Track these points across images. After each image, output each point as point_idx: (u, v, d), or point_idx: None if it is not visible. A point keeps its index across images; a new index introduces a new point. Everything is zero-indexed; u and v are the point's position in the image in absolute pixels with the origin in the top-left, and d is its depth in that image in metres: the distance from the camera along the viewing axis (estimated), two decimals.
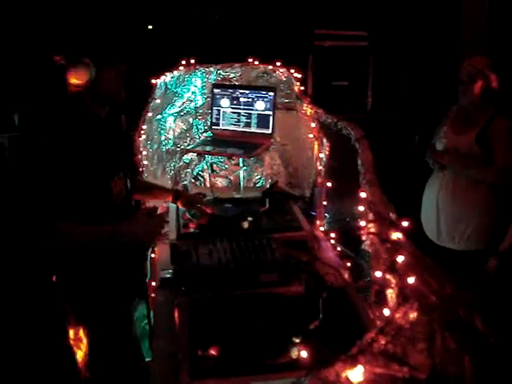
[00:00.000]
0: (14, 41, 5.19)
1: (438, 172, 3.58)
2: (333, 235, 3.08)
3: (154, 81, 3.57)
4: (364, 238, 1.70)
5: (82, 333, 2.38)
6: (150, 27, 5.15)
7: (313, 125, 3.29)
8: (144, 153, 3.40)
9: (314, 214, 3.37)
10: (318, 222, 3.28)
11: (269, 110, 3.51)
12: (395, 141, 5.18)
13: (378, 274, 1.47)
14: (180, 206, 3.01)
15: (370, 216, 1.71)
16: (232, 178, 3.78)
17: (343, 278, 2.57)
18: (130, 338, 2.60)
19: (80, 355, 2.40)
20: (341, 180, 3.06)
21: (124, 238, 2.30)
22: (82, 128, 2.24)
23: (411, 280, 1.35)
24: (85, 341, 2.38)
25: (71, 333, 2.39)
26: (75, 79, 2.21)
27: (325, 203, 3.27)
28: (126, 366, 2.51)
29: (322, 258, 2.78)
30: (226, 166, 3.85)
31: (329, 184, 3.17)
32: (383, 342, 1.24)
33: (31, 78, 4.99)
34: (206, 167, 3.90)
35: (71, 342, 2.39)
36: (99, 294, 2.37)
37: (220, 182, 3.92)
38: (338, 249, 2.96)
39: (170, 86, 3.73)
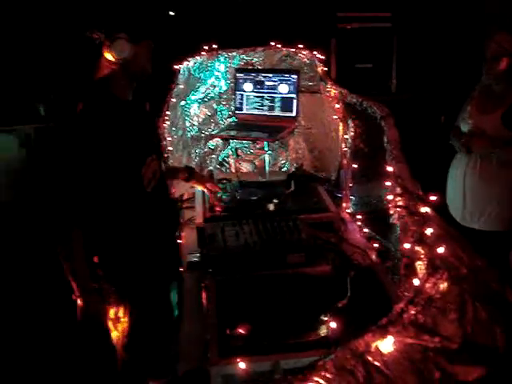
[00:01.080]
0: (38, 30, 5.22)
1: (464, 154, 3.53)
2: (359, 217, 3.05)
3: (176, 66, 3.57)
4: (392, 211, 1.68)
5: (121, 313, 2.39)
6: (171, 13, 5.14)
7: (337, 106, 3.25)
8: (169, 139, 3.40)
9: (340, 195, 3.34)
10: (344, 204, 3.25)
11: (292, 93, 3.49)
12: (421, 122, 5.12)
13: (407, 245, 1.46)
14: (193, 183, 3.02)
15: (398, 190, 1.68)
16: (257, 163, 3.78)
17: (370, 258, 2.55)
18: (169, 320, 2.61)
19: (117, 336, 2.42)
20: (367, 161, 3.03)
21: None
22: (108, 114, 2.24)
23: (441, 250, 1.33)
24: (124, 321, 2.40)
25: (111, 312, 2.40)
26: (116, 55, 2.20)
27: (351, 185, 3.24)
28: (162, 347, 2.54)
29: (348, 239, 2.76)
30: (251, 151, 3.85)
31: (355, 166, 3.14)
32: (413, 312, 1.23)
33: (57, 67, 5.03)
34: (230, 153, 3.90)
35: (109, 322, 2.41)
36: (140, 275, 2.39)
37: (245, 167, 3.92)
38: (365, 230, 2.93)
39: (193, 72, 3.72)
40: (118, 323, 2.41)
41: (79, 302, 2.26)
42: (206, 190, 3.00)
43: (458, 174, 3.58)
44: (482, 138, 3.42)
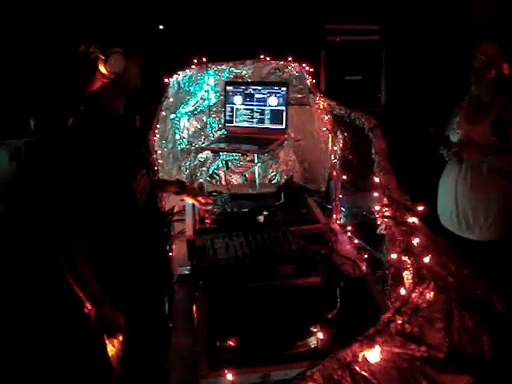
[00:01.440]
0: (28, 44, 5.23)
1: (454, 164, 3.54)
2: (349, 228, 3.07)
3: (166, 80, 3.58)
4: (379, 222, 1.69)
5: None
6: (161, 27, 5.16)
7: (326, 118, 3.28)
8: (159, 152, 3.41)
9: (329, 207, 3.35)
10: (334, 216, 3.27)
11: (282, 106, 3.52)
12: (410, 133, 5.15)
13: (394, 255, 1.47)
14: (183, 197, 3.02)
15: (385, 200, 1.70)
16: (247, 175, 3.79)
17: (361, 268, 2.56)
18: (162, 333, 2.61)
19: (113, 350, 2.41)
20: (356, 173, 3.05)
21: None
22: (100, 128, 2.24)
23: (427, 259, 1.34)
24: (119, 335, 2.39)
25: None
26: (110, 69, 2.21)
27: (340, 196, 3.25)
28: (158, 361, 2.53)
29: (338, 251, 2.78)
30: (241, 163, 3.86)
31: (344, 177, 3.16)
32: (400, 321, 1.23)
33: (48, 81, 5.04)
34: (221, 165, 3.92)
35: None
36: (132, 288, 2.37)
37: (235, 180, 3.94)
38: (356, 241, 2.94)
39: (182, 85, 3.74)
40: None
41: (92, 313, 2.25)
42: (197, 203, 3.01)
43: (449, 184, 3.58)
44: (472, 146, 3.43)
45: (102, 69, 2.21)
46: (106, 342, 2.40)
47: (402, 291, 1.29)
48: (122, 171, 2.27)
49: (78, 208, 2.16)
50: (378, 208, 1.77)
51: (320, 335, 1.85)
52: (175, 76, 3.64)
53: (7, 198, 5.22)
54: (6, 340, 3.97)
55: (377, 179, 1.93)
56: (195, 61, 3.76)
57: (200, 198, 3.01)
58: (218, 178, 3.98)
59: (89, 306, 2.24)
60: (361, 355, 1.18)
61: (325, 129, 3.39)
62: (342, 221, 3.24)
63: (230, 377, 1.37)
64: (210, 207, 3.08)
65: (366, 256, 2.73)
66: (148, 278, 2.43)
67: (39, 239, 2.33)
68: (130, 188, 2.31)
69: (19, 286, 4.61)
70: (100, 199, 2.19)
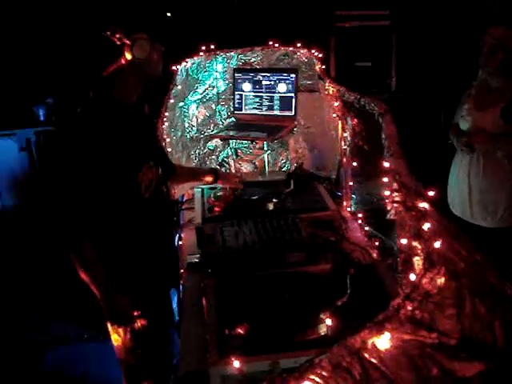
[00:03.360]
0: (38, 33, 5.22)
1: (466, 153, 3.50)
2: (360, 215, 3.04)
3: (174, 67, 3.56)
4: (389, 207, 1.66)
5: None
6: (168, 14, 5.13)
7: (336, 104, 3.24)
8: (167, 140, 3.39)
9: (340, 194, 3.33)
10: (344, 203, 3.24)
11: (291, 92, 3.48)
12: (421, 120, 5.10)
13: (404, 241, 1.44)
14: (219, 184, 3.06)
15: (395, 185, 1.67)
16: (257, 163, 3.76)
17: (371, 256, 2.53)
18: (170, 325, 2.61)
19: (119, 340, 2.41)
20: (367, 159, 3.02)
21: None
22: (107, 119, 2.22)
23: (437, 244, 1.31)
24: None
25: None
26: (138, 55, 2.21)
27: (351, 184, 3.22)
28: (163, 350, 2.53)
29: (349, 238, 2.75)
30: (251, 151, 3.83)
31: (354, 164, 3.12)
32: (410, 308, 1.21)
33: (57, 71, 5.04)
34: (230, 153, 3.88)
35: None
36: (139, 280, 2.38)
37: (245, 168, 3.91)
38: (366, 228, 2.91)
39: (191, 73, 3.71)
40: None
41: (102, 304, 2.28)
42: (234, 186, 3.06)
43: (461, 171, 3.55)
44: (482, 134, 3.39)
45: (128, 55, 2.20)
46: (112, 332, 2.40)
47: (412, 277, 1.27)
48: (127, 163, 2.26)
49: (87, 203, 2.16)
50: (387, 193, 1.74)
51: (329, 322, 1.83)
52: (183, 63, 3.61)
53: (18, 189, 5.24)
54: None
55: (386, 164, 1.90)
56: (203, 48, 3.73)
57: (235, 181, 3.09)
58: (227, 166, 3.96)
59: (99, 297, 2.25)
60: (370, 342, 1.15)
61: (335, 115, 3.36)
62: (352, 208, 3.21)
63: (237, 364, 1.35)
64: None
65: (376, 243, 2.71)
66: (154, 270, 2.44)
67: (50, 235, 2.33)
68: (134, 180, 2.30)
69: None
70: (105, 192, 2.19)
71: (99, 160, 2.15)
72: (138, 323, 2.36)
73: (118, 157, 2.20)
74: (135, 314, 2.34)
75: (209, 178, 3.01)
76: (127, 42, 2.18)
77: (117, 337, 2.39)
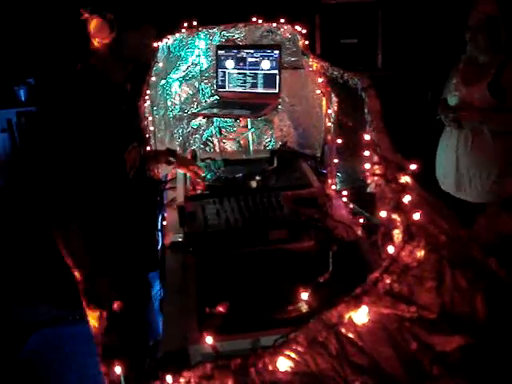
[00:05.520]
0: (18, 13, 5.12)
1: (454, 128, 3.48)
2: (345, 193, 3.01)
3: (155, 44, 3.48)
4: (369, 180, 1.63)
5: None
6: None
7: (320, 80, 3.19)
8: (150, 119, 3.33)
9: (325, 172, 3.29)
10: (329, 181, 3.20)
11: (275, 69, 3.43)
12: (407, 97, 5.06)
13: (383, 214, 1.40)
14: (175, 167, 3.00)
15: (375, 159, 1.63)
16: (241, 141, 3.72)
17: (355, 233, 2.50)
18: (146, 307, 2.58)
19: (95, 322, 2.38)
20: (352, 136, 2.98)
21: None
22: (98, 97, 2.17)
23: (417, 216, 1.28)
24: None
25: None
26: (98, 35, 2.16)
27: (336, 161, 3.18)
28: (139, 333, 2.51)
29: (333, 215, 2.72)
30: (235, 129, 3.79)
31: (339, 141, 3.08)
32: (388, 281, 1.18)
33: (38, 51, 4.96)
34: (214, 132, 3.84)
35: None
36: (120, 258, 2.36)
37: (229, 146, 3.86)
38: (351, 206, 2.88)
39: (172, 50, 3.64)
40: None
41: (80, 284, 2.24)
42: (189, 173, 2.96)
43: (449, 146, 3.53)
44: (470, 110, 3.37)
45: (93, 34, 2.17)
46: (89, 313, 2.37)
47: (391, 249, 1.23)
48: (114, 141, 2.22)
49: (72, 180, 2.12)
50: (368, 166, 1.70)
51: (305, 297, 1.80)
52: (165, 40, 3.54)
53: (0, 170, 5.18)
54: None
55: (367, 137, 1.86)
56: (185, 24, 3.66)
57: (191, 168, 2.97)
58: (211, 145, 3.91)
59: (78, 276, 2.21)
60: (347, 316, 1.13)
61: (319, 92, 3.31)
62: (337, 186, 3.17)
63: (209, 340, 1.32)
64: (202, 176, 3.02)
65: (361, 221, 2.68)
66: (134, 251, 2.42)
67: (34, 213, 2.29)
68: (120, 159, 2.27)
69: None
70: (91, 170, 2.15)
71: (86, 136, 2.10)
72: (115, 305, 2.32)
73: (105, 134, 2.16)
74: (113, 295, 2.31)
75: (164, 159, 2.95)
76: (90, 19, 2.15)
77: (93, 318, 2.36)
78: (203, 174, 3.04)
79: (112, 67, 2.26)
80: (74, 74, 2.24)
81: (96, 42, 2.21)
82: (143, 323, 2.53)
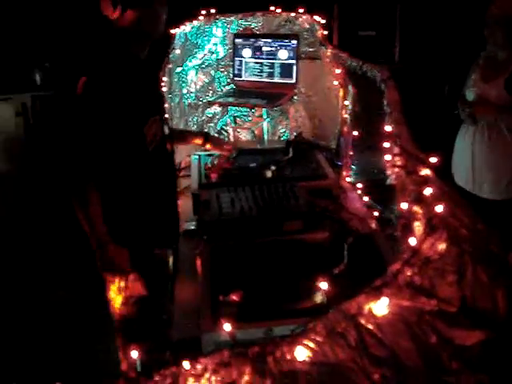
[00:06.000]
0: None
1: (470, 123, 3.45)
2: (360, 186, 2.99)
3: (173, 31, 3.47)
4: (389, 172, 1.61)
5: None
6: None
7: (337, 71, 3.17)
8: (165, 106, 3.32)
9: (340, 164, 3.27)
10: (344, 173, 3.18)
11: (292, 59, 3.40)
12: (424, 91, 5.02)
13: (404, 205, 1.39)
14: (209, 147, 2.97)
15: (396, 150, 1.61)
16: (256, 131, 3.71)
17: (369, 225, 2.49)
18: (165, 286, 2.58)
19: (116, 292, 2.39)
20: (368, 128, 2.96)
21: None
22: (119, 70, 2.20)
23: (439, 208, 1.26)
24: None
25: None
26: (104, 12, 2.20)
27: (351, 153, 3.16)
28: (158, 309, 2.51)
29: (347, 207, 2.70)
30: (250, 119, 3.78)
31: (355, 133, 3.06)
32: (409, 273, 1.16)
33: (54, 34, 4.97)
34: (229, 121, 3.82)
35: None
36: (139, 231, 2.36)
37: (244, 136, 3.85)
38: (365, 199, 2.87)
39: (190, 37, 3.63)
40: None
41: (97, 252, 2.27)
42: (223, 152, 2.99)
43: (465, 142, 3.51)
44: (486, 106, 3.35)
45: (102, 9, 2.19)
46: (109, 283, 2.39)
47: (412, 241, 1.22)
48: (135, 113, 2.23)
49: (93, 149, 2.15)
50: (388, 158, 1.68)
51: (324, 287, 1.79)
52: (182, 27, 3.53)
53: (14, 153, 5.19)
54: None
55: (388, 128, 1.84)
56: (203, 12, 3.64)
57: (227, 147, 3.00)
58: (226, 134, 3.89)
59: (95, 244, 2.25)
60: (366, 307, 1.11)
61: (336, 83, 3.29)
62: (352, 178, 3.15)
63: (228, 328, 1.31)
64: (232, 156, 3.04)
65: (375, 214, 2.66)
66: (154, 225, 2.40)
67: (53, 180, 2.31)
68: (140, 132, 2.27)
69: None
70: (111, 139, 2.17)
71: (109, 107, 2.14)
72: (132, 276, 2.34)
73: (127, 106, 2.18)
74: (129, 266, 2.32)
75: (198, 141, 2.92)
76: None
77: (112, 287, 2.37)
78: (234, 154, 3.06)
79: (136, 43, 2.29)
80: (97, 49, 2.28)
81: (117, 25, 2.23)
82: (159, 296, 2.53)
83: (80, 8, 2.24)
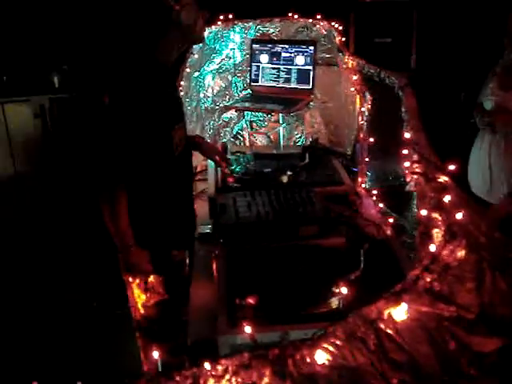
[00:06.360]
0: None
1: (487, 132, 3.45)
2: (375, 192, 3.00)
3: None
4: (408, 178, 1.62)
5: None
6: None
7: (354, 77, 3.18)
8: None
9: (355, 170, 3.28)
10: (359, 179, 3.19)
11: (309, 65, 3.41)
12: (441, 99, 5.01)
13: (424, 212, 1.40)
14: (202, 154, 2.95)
15: (415, 157, 1.62)
16: (272, 136, 3.72)
17: (385, 232, 2.49)
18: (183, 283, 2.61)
19: (138, 293, 2.43)
20: (385, 135, 2.97)
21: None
22: (149, 78, 2.24)
23: (459, 216, 1.27)
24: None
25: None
26: (187, 19, 2.24)
27: (367, 160, 3.17)
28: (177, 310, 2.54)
29: (363, 214, 2.71)
30: (266, 124, 3.79)
31: (371, 140, 3.08)
32: (429, 279, 1.17)
33: (73, 37, 5.01)
34: (245, 125, 3.84)
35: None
36: (161, 233, 2.41)
37: (260, 141, 3.87)
38: (380, 206, 2.87)
39: (208, 42, 3.65)
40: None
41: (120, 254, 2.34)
42: (214, 162, 2.95)
43: (482, 152, 3.51)
44: (505, 115, 3.34)
45: (177, 19, 2.23)
46: (130, 285, 2.43)
47: (432, 248, 1.23)
48: (164, 119, 2.28)
49: (124, 153, 2.19)
50: (407, 164, 1.69)
51: (343, 291, 1.80)
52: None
53: (33, 155, 5.24)
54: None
55: (407, 135, 1.85)
56: (221, 17, 3.67)
57: (217, 157, 2.92)
58: (241, 138, 3.91)
59: (119, 245, 2.29)
60: (386, 312, 1.12)
61: (353, 89, 3.30)
62: (367, 185, 3.16)
63: (248, 330, 1.33)
64: (232, 167, 3.02)
65: (390, 221, 2.67)
66: (173, 227, 2.44)
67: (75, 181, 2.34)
68: (168, 137, 2.32)
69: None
70: (140, 146, 2.21)
71: (140, 113, 2.18)
72: (152, 278, 2.37)
73: (154, 112, 2.22)
74: (151, 268, 2.37)
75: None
76: (176, 5, 2.21)
77: (133, 289, 2.41)
78: (234, 165, 3.05)
79: (171, 51, 2.34)
80: (133, 58, 2.32)
81: (172, 28, 2.27)
82: (178, 297, 2.55)
83: (103, 12, 2.26)
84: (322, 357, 1.08)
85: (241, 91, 3.86)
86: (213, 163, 3.02)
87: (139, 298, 2.43)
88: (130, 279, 2.42)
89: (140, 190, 2.33)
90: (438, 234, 1.30)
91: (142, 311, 2.45)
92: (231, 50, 3.80)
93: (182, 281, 2.50)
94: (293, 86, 3.47)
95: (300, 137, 3.87)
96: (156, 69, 2.28)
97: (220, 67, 3.83)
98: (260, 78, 3.57)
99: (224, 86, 3.88)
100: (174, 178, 2.40)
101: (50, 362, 3.56)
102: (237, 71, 3.86)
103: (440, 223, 1.29)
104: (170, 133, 2.33)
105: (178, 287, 2.46)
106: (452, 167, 1.63)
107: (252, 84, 3.60)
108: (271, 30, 3.71)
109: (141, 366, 2.50)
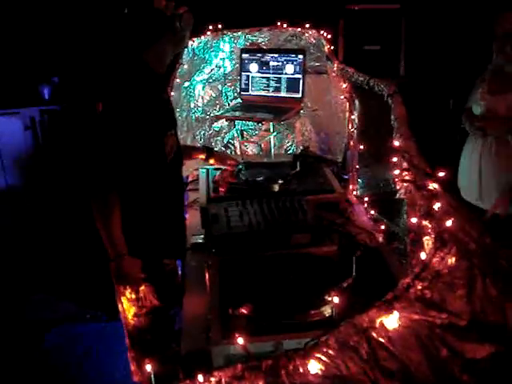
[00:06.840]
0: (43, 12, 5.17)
1: (478, 137, 3.47)
2: (366, 199, 3.01)
3: None
4: (398, 186, 1.63)
5: None
6: None
7: (344, 85, 3.20)
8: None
9: (346, 177, 3.29)
10: (350, 186, 3.20)
11: (298, 74, 3.43)
12: (430, 105, 5.03)
13: (414, 220, 1.40)
14: (213, 162, 2.97)
15: (405, 165, 1.63)
16: (262, 145, 3.73)
17: (377, 239, 2.50)
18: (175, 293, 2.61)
19: (128, 304, 2.44)
20: (374, 142, 2.98)
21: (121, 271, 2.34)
22: (141, 85, 2.27)
23: (449, 223, 1.28)
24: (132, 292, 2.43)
25: None
26: (186, 23, 2.32)
27: (357, 167, 3.19)
28: (169, 319, 2.53)
29: (354, 221, 2.72)
30: (256, 133, 3.81)
31: (361, 147, 3.09)
32: (420, 287, 1.18)
33: (64, 47, 5.02)
34: (236, 135, 3.85)
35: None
36: (151, 242, 2.43)
37: (251, 150, 3.88)
38: (372, 213, 2.88)
39: (197, 52, 3.67)
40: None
41: (112, 263, 2.32)
42: (227, 167, 3.00)
43: (472, 157, 3.52)
44: (495, 120, 3.36)
45: (177, 26, 2.30)
46: (122, 295, 2.44)
47: (423, 255, 1.23)
48: (155, 126, 2.30)
49: (116, 160, 2.21)
50: (397, 172, 1.70)
51: (335, 302, 1.80)
52: (190, 42, 3.57)
53: (23, 167, 5.23)
54: None
55: (396, 143, 1.86)
56: (210, 27, 3.68)
57: (230, 162, 3.01)
58: (232, 147, 3.92)
59: (110, 254, 2.29)
60: (378, 321, 1.12)
61: (342, 97, 3.31)
62: (358, 192, 3.18)
63: (241, 341, 1.33)
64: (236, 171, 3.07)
65: (382, 227, 2.68)
66: (164, 236, 2.47)
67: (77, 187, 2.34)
68: (160, 144, 2.34)
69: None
70: (133, 154, 2.23)
71: (133, 119, 2.20)
72: (144, 287, 2.37)
73: (147, 119, 2.24)
74: (143, 277, 2.38)
75: (201, 156, 2.94)
76: (177, 13, 2.28)
77: (125, 299, 2.40)
78: (239, 168, 3.10)
79: (164, 58, 2.38)
80: (123, 64, 2.36)
81: (171, 35, 2.33)
82: (170, 307, 2.55)
83: (91, 21, 2.27)
84: (314, 367, 1.08)
85: (231, 100, 3.88)
86: (204, 172, 3.03)
87: (130, 308, 2.42)
88: (122, 289, 2.41)
89: (132, 197, 2.33)
90: (428, 241, 1.31)
91: (133, 321, 2.44)
92: (221, 59, 3.82)
93: (174, 290, 2.50)
94: (283, 94, 3.48)
95: (291, 145, 3.89)
96: (147, 74, 2.30)
97: (210, 77, 3.84)
98: (250, 87, 3.58)
99: (214, 95, 3.90)
100: (165, 184, 2.42)
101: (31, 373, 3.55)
102: (227, 81, 3.88)
103: (430, 231, 1.30)
104: (162, 139, 2.34)
105: (170, 296, 2.46)
106: (442, 174, 1.64)
107: (242, 93, 3.61)
108: (260, 40, 3.73)
109: (130, 378, 2.49)
